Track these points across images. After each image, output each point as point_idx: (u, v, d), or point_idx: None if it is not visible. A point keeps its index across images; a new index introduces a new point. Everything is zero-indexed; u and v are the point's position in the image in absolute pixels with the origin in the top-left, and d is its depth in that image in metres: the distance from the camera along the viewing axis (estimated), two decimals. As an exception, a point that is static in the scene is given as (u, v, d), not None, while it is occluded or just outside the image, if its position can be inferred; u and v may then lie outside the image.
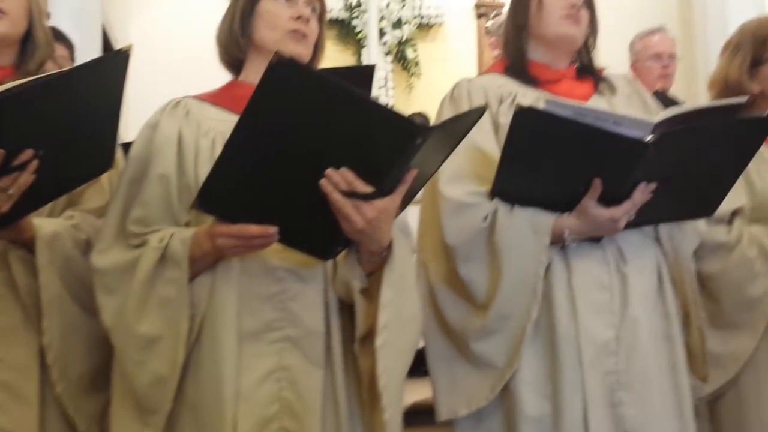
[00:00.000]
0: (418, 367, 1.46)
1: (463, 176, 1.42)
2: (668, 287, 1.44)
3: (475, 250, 1.39)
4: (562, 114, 1.21)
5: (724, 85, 1.80)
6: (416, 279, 1.33)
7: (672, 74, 3.07)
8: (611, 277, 1.38)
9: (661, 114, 1.24)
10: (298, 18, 1.30)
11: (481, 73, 1.65)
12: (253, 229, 1.09)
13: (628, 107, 1.51)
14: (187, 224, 1.23)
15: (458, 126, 1.16)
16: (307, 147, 1.04)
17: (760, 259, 1.64)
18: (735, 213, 1.70)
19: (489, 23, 4.60)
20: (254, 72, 1.28)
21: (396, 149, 1.02)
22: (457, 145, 1.19)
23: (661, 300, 1.43)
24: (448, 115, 1.52)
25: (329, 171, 1.05)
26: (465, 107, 1.49)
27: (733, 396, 1.69)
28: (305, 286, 1.20)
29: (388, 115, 1.02)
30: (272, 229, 1.09)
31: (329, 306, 1.22)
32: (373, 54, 4.19)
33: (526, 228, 1.35)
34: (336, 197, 1.06)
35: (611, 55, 3.32)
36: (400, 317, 1.18)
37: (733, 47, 1.81)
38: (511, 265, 1.36)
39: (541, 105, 1.31)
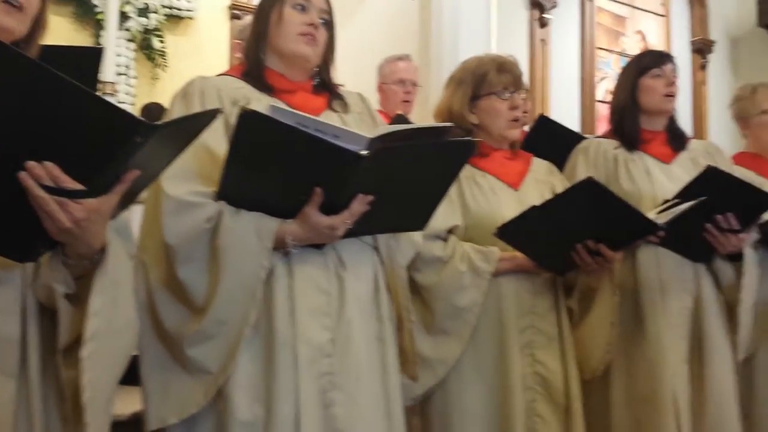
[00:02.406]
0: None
1: (188, 175, 1.37)
2: (383, 293, 1.52)
3: (196, 251, 1.35)
4: (284, 121, 1.23)
5: (448, 116, 1.94)
6: (133, 284, 1.24)
7: (413, 100, 3.29)
8: (330, 281, 1.42)
9: (376, 130, 1.31)
10: None
11: (218, 74, 1.61)
12: None
13: (358, 124, 1.57)
14: None
15: (188, 127, 1.10)
16: (4, 137, 0.90)
17: (469, 273, 1.81)
18: (451, 231, 1.86)
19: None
20: None
21: (113, 146, 0.94)
22: (186, 146, 1.14)
23: (377, 304, 1.50)
24: (178, 111, 1.46)
25: (30, 163, 0.92)
26: (196, 106, 1.44)
27: (440, 396, 1.83)
28: None
29: (106, 108, 0.92)
30: None
31: (27, 311, 1.07)
32: (112, 38, 3.89)
33: (251, 232, 1.34)
34: (38, 193, 0.93)
35: (357, 72, 3.51)
36: (111, 326, 1.09)
37: (456, 82, 1.97)
38: (233, 268, 1.34)
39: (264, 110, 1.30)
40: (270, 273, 1.37)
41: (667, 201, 1.86)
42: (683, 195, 1.82)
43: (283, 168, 1.29)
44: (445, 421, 1.83)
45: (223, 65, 4.67)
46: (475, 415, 1.80)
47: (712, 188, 1.82)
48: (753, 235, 2.08)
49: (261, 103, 1.46)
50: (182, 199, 1.35)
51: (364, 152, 1.24)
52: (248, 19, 2.80)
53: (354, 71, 3.55)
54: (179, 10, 4.57)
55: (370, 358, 1.45)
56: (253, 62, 1.56)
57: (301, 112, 1.28)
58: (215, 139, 1.40)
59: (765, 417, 2.19)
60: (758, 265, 2.10)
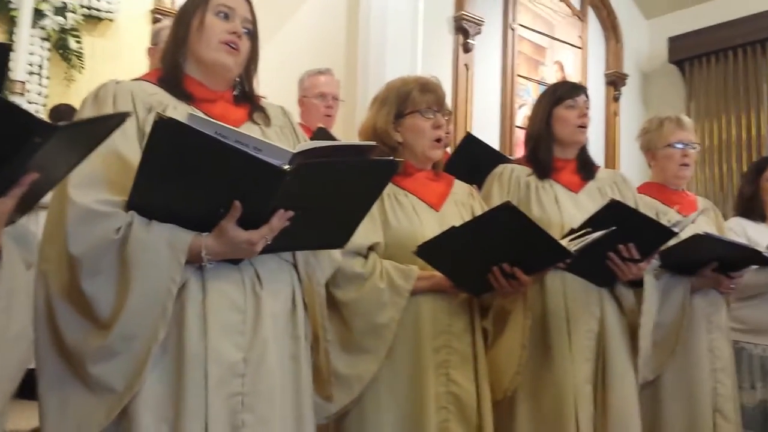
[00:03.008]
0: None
1: (97, 182, 1.30)
2: (300, 311, 1.49)
3: (104, 263, 1.28)
4: (204, 131, 1.19)
5: (372, 134, 1.95)
6: (31, 293, 1.17)
7: (335, 115, 3.29)
8: (246, 299, 1.38)
9: (299, 146, 1.29)
10: None
11: (133, 78, 1.56)
12: None
13: (280, 138, 1.55)
14: None
15: (93, 129, 1.05)
16: None
17: (388, 291, 1.80)
18: (371, 248, 1.86)
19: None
20: None
21: (9, 146, 0.88)
22: (92, 149, 1.09)
23: (293, 322, 1.47)
24: (88, 114, 1.40)
25: None
26: (109, 110, 1.38)
27: (356, 414, 1.82)
28: None
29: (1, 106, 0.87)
30: None
31: None
32: (25, 36, 3.72)
33: (163, 244, 1.29)
34: None
35: (282, 86, 3.48)
36: (2, 337, 1.03)
37: (380, 101, 1.99)
38: (142, 282, 1.27)
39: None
40: (182, 288, 1.32)
41: (572, 230, 1.93)
42: (587, 225, 1.90)
43: (200, 179, 1.24)
44: (361, 440, 1.82)
45: (144, 70, 4.54)
46: (389, 434, 1.80)
47: (615, 220, 1.89)
48: (654, 263, 2.19)
49: (177, 111, 1.42)
50: (90, 208, 1.28)
51: (285, 167, 1.21)
52: (165, 22, 2.72)
53: (279, 84, 3.52)
54: (98, 11, 4.42)
55: (283, 378, 1.41)
56: (171, 68, 1.51)
57: (220, 123, 1.24)
58: (127, 146, 1.34)
59: None
60: (657, 290, 2.21)
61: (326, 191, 1.32)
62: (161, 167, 1.23)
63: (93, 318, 1.30)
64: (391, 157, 1.47)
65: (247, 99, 1.57)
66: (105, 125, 1.06)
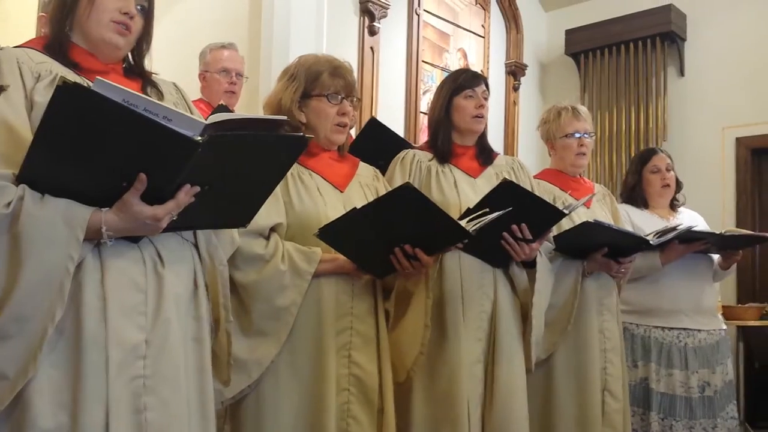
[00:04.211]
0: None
1: None
2: (202, 291, 1.45)
3: None
4: (112, 97, 1.11)
5: (277, 110, 1.91)
6: None
7: (238, 92, 3.20)
8: (148, 278, 1.33)
9: (211, 117, 1.24)
10: None
11: (17, 45, 1.45)
12: None
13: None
14: None
15: None
16: None
17: (290, 273, 1.78)
18: (273, 229, 1.83)
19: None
20: None
21: None
22: None
23: (195, 303, 1.43)
24: None
25: None
26: None
27: (254, 398, 1.79)
28: None
29: None
30: None
31: None
32: None
33: (58, 219, 1.21)
34: None
35: (181, 60, 3.35)
36: None
37: (289, 76, 1.94)
38: (35, 259, 1.20)
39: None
40: (78, 267, 1.25)
41: (469, 209, 1.97)
42: (482, 205, 1.95)
43: (105, 150, 1.17)
44: (258, 424, 1.79)
45: (31, 37, 4.25)
46: (289, 418, 1.78)
47: (508, 200, 1.95)
48: (548, 245, 2.28)
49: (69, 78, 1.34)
50: None
51: (198, 138, 1.16)
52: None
53: (177, 59, 3.39)
54: (-20, -28, 4.11)
55: (186, 360, 1.38)
56: (57, 37, 1.42)
57: (129, 90, 1.16)
58: (15, 117, 1.26)
59: (563, 411, 2.39)
60: (550, 271, 2.31)
61: (236, 166, 1.28)
62: (61, 137, 1.15)
63: None
64: (302, 134, 1.45)
65: (137, 73, 1.50)
66: None
